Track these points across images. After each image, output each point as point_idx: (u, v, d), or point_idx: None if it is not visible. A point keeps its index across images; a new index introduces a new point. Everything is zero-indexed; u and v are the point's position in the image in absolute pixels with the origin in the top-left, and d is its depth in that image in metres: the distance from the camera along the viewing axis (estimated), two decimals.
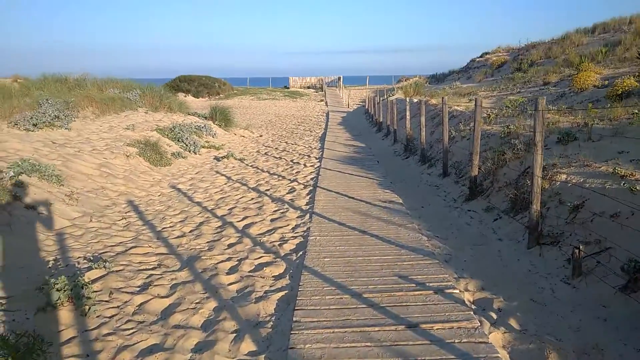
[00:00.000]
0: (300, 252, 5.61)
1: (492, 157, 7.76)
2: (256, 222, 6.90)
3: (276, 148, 15.65)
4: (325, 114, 30.61)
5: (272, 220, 7.10)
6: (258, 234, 6.42)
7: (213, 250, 5.75)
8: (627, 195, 4.69)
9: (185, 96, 44.44)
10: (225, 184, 9.77)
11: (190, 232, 6.55)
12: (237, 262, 5.37)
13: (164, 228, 6.70)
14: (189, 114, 19.04)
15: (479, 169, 7.54)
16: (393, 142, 15.69)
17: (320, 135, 19.46)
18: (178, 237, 6.31)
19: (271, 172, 11.15)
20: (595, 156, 6.09)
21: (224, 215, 7.36)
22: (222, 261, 5.40)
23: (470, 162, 7.46)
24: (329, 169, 11.18)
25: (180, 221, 7.04)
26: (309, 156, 13.70)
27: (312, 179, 10.27)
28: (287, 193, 8.89)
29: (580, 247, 4.10)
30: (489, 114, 11.63)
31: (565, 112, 9.72)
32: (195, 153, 13.12)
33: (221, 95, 46.18)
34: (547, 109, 5.01)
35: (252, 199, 8.43)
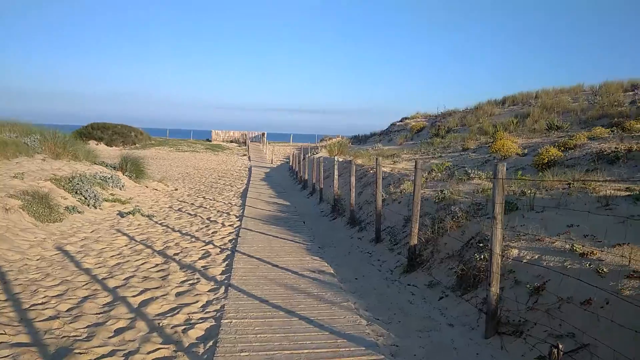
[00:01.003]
0: (211, 343, 4.39)
1: (431, 225, 7.11)
2: (157, 298, 5.57)
3: (192, 204, 14.25)
4: (248, 169, 29.57)
5: (178, 294, 5.80)
6: (158, 315, 5.10)
7: (92, 340, 4.36)
8: (594, 278, 4.08)
9: (97, 144, 41.53)
10: (125, 245, 8.27)
11: (67, 311, 5.08)
12: (122, 359, 4.04)
13: (33, 305, 5.17)
14: (95, 164, 17.16)
15: (418, 237, 6.82)
16: (319, 200, 14.92)
17: (242, 191, 18.31)
18: (49, 318, 4.83)
19: (183, 231, 9.80)
20: (544, 228, 5.58)
21: (118, 287, 5.94)
22: (103, 357, 4.04)
23: (410, 229, 6.73)
24: (251, 230, 10.05)
25: (57, 295, 5.53)
26: (228, 214, 12.48)
27: (230, 241, 9.07)
28: (200, 258, 7.62)
29: (560, 345, 3.33)
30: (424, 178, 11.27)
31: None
32: (95, 207, 11.42)
33: (137, 145, 43.71)
34: (507, 177, 4.39)
35: (157, 265, 7.06)
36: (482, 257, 5.36)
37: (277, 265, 7.10)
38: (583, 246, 4.71)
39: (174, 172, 25.39)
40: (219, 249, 8.32)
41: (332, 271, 6.91)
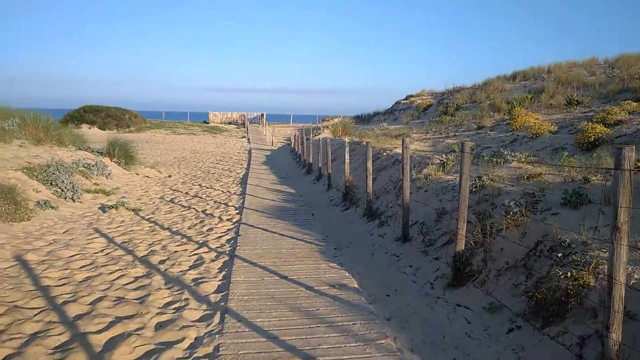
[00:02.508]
0: None
1: (478, 223, 5.66)
2: (130, 335, 4.15)
3: (186, 193, 12.80)
4: (247, 152, 28.06)
5: (158, 326, 4.38)
6: None
7: None
8: None
9: (89, 128, 39.95)
10: (101, 250, 6.84)
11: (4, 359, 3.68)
12: None
13: None
14: (80, 149, 15.66)
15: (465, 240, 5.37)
16: (327, 187, 13.46)
17: (241, 177, 16.85)
18: None
19: (173, 229, 8.36)
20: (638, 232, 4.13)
21: (80, 316, 4.51)
22: None
23: (454, 229, 5.28)
24: (252, 226, 8.62)
25: None
26: (226, 205, 11.04)
27: (229, 241, 7.65)
28: (191, 268, 6.19)
29: None
30: (444, 161, 9.80)
31: (544, 164, 8.00)
32: (73, 200, 9.97)
33: (132, 128, 42.09)
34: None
35: (136, 279, 5.64)
36: (570, 275, 3.93)
37: (286, 277, 5.68)
38: None
39: (169, 157, 23.90)
40: (215, 253, 6.89)
41: (356, 285, 5.49)
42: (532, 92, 23.93)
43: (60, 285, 5.31)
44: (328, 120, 47.79)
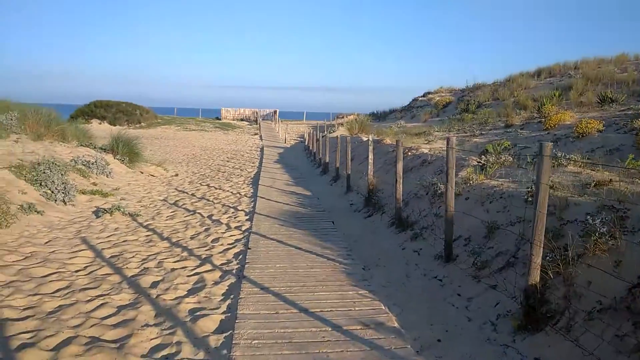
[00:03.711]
0: None
1: (553, 246, 4.43)
2: None
3: (193, 194, 11.71)
4: (259, 149, 26.96)
5: None
6: None
7: None
8: None
9: (100, 124, 39.23)
10: (84, 268, 5.73)
11: None
12: None
13: None
14: (81, 145, 14.67)
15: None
16: (346, 190, 12.27)
17: (252, 176, 15.73)
18: None
19: (173, 239, 7.25)
20: None
21: None
22: None
23: (528, 258, 4.05)
24: (264, 236, 7.48)
25: None
26: (235, 209, 9.91)
27: (236, 255, 6.50)
28: (189, 294, 5.05)
29: None
30: (484, 163, 8.54)
31: (617, 168, 6.70)
32: (65, 203, 8.92)
33: (143, 124, 41.30)
34: None
35: (118, 310, 4.50)
36: None
37: (306, 310, 4.51)
38: None
39: (178, 154, 22.89)
40: (220, 273, 5.75)
41: (395, 323, 4.30)
42: (560, 90, 22.48)
43: (22, 319, 4.19)
44: (342, 117, 46.55)
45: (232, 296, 4.96)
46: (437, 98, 35.09)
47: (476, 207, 6.67)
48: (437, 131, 21.47)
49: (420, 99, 38.94)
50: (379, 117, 39.67)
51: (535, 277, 4.02)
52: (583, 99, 20.44)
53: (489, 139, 16.08)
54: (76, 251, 6.36)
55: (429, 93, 38.81)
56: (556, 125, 15.21)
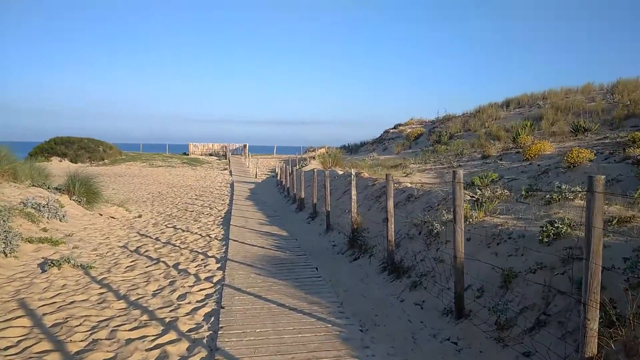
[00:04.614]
0: None
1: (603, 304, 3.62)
2: None
3: (157, 238, 10.55)
4: (229, 185, 25.86)
5: None
6: None
7: None
8: None
9: (60, 161, 37.45)
10: (17, 343, 4.57)
11: None
12: None
13: None
14: (33, 186, 13.35)
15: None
16: (326, 228, 11.35)
17: (223, 215, 14.65)
18: None
19: (132, 298, 6.12)
20: None
21: None
22: None
23: (583, 324, 3.20)
24: (240, 290, 6.44)
25: None
26: (205, 255, 8.84)
27: (206, 317, 5.45)
28: None
29: None
30: (478, 197, 7.83)
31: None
32: (5, 255, 7.66)
33: (106, 160, 39.65)
34: None
35: None
36: None
37: None
38: None
39: (142, 192, 21.58)
40: (187, 343, 4.68)
41: None
42: (531, 120, 22.52)
43: None
44: (313, 150, 46.08)
45: None
46: (409, 130, 35.04)
47: (482, 250, 5.88)
48: (413, 163, 20.99)
49: (391, 130, 38.91)
50: (351, 150, 39.29)
51: (593, 348, 3.18)
52: (555, 129, 20.45)
53: (468, 170, 15.58)
54: (10, 319, 5.18)
55: (399, 125, 38.81)
56: (536, 156, 14.85)
